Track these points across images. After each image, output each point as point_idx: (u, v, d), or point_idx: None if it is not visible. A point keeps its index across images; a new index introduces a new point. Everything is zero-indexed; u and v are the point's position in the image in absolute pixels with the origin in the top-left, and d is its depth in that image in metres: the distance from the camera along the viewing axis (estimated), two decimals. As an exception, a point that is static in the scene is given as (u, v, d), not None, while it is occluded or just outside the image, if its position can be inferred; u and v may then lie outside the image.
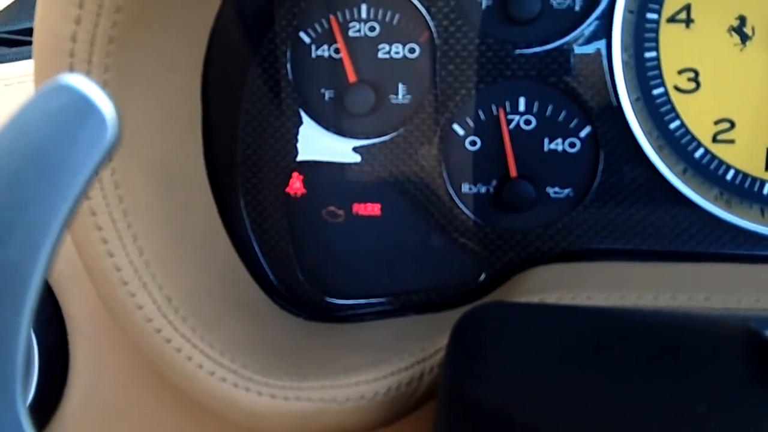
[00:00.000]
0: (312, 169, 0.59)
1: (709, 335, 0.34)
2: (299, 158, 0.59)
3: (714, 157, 0.55)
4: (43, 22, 0.39)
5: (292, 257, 0.59)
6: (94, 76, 0.39)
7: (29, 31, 0.71)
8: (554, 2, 0.54)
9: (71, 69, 0.39)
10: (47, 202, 0.21)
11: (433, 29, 0.56)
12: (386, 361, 0.49)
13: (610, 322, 0.38)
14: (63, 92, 0.21)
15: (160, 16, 0.42)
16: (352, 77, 0.57)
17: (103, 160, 0.21)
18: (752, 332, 0.32)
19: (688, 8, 0.53)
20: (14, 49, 0.67)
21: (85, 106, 0.21)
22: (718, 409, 0.30)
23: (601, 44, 0.54)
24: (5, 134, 0.21)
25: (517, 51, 0.55)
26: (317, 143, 0.59)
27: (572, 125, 0.55)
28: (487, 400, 0.38)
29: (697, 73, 0.54)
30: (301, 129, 0.58)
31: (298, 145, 0.59)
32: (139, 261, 0.46)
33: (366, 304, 0.60)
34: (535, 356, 0.39)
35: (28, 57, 0.64)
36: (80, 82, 0.21)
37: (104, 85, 0.40)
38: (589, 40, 0.54)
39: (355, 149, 0.58)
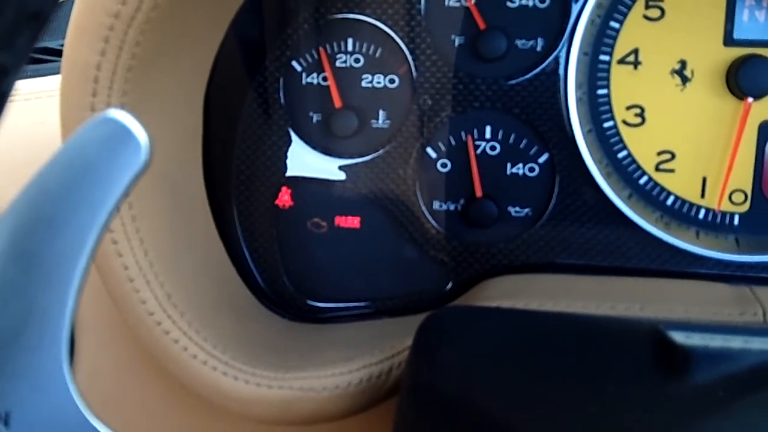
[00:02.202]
0: (299, 184, 0.65)
1: (625, 334, 0.40)
2: (288, 174, 0.65)
3: (656, 184, 0.61)
4: (72, 51, 0.45)
5: (279, 263, 0.66)
6: (114, 99, 0.45)
7: (44, 50, 0.78)
8: (519, 43, 0.61)
9: (94, 93, 0.45)
10: (93, 206, 0.27)
11: (411, 63, 0.62)
12: (359, 356, 0.55)
13: (547, 323, 0.44)
14: (109, 123, 0.27)
15: (172, 48, 0.49)
16: (337, 103, 0.63)
17: (138, 176, 0.27)
18: (659, 332, 0.38)
19: (636, 52, 0.60)
20: (32, 67, 0.73)
21: (126, 134, 0.27)
22: (628, 392, 0.37)
23: (558, 81, 0.61)
24: (64, 153, 0.27)
25: (485, 85, 0.61)
26: (304, 161, 0.65)
27: (532, 152, 0.62)
28: (443, 388, 0.45)
29: (643, 110, 0.61)
30: (291, 148, 0.65)
31: (288, 162, 0.65)
32: (144, 261, 0.52)
33: (344, 307, 0.66)
34: (485, 352, 0.45)
35: (44, 74, 0.71)
36: (122, 116, 0.27)
37: (122, 106, 0.46)
38: (548, 78, 0.61)
39: (339, 167, 0.64)
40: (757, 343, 0.36)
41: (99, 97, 0.45)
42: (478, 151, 0.63)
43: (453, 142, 0.63)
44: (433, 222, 0.64)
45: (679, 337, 0.36)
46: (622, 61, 0.60)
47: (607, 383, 0.37)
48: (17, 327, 0.28)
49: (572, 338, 0.42)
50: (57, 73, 0.61)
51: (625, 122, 0.61)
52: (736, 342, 0.36)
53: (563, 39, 0.60)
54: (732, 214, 0.61)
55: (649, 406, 0.35)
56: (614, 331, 0.41)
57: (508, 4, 0.60)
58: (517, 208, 0.63)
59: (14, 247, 0.28)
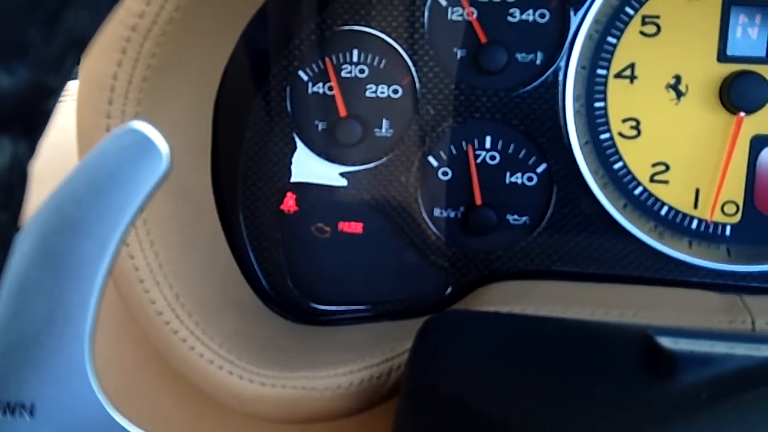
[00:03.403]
0: (304, 189, 0.67)
1: (615, 338, 0.42)
2: (292, 180, 0.67)
3: (651, 194, 0.63)
4: (89, 61, 0.47)
5: (283, 266, 0.67)
6: (129, 108, 0.47)
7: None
8: (519, 56, 0.63)
9: (110, 101, 0.47)
10: (118, 210, 0.29)
11: (414, 74, 0.64)
12: (361, 357, 0.57)
13: (542, 328, 0.46)
14: (132, 133, 0.29)
15: (185, 59, 0.51)
16: (342, 112, 0.65)
17: (159, 184, 0.29)
18: (647, 336, 0.40)
19: (632, 66, 0.62)
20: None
21: (148, 144, 0.29)
22: (617, 393, 0.38)
23: (557, 94, 0.62)
24: (89, 161, 0.29)
25: (486, 96, 0.63)
26: (309, 167, 0.67)
27: (530, 162, 0.64)
28: (442, 389, 0.46)
29: (638, 122, 0.62)
30: (295, 154, 0.67)
31: (292, 168, 0.67)
32: (154, 263, 0.54)
33: (346, 310, 0.68)
34: (483, 355, 0.47)
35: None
36: (145, 127, 0.29)
37: (136, 114, 0.48)
38: (547, 90, 0.63)
39: (342, 174, 0.66)
40: (740, 349, 0.38)
41: (114, 106, 0.47)
42: (479, 160, 0.64)
43: (454, 152, 0.65)
44: (433, 228, 0.66)
45: (666, 341, 0.38)
46: (618, 75, 0.62)
47: (597, 385, 0.39)
48: (42, 324, 0.30)
49: (566, 342, 0.44)
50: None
51: (621, 134, 0.63)
52: (720, 347, 0.38)
53: (562, 53, 0.62)
54: (724, 225, 0.63)
55: (636, 406, 0.37)
56: (605, 335, 0.43)
57: (509, 18, 0.62)
58: (516, 217, 0.65)
59: (41, 248, 0.29)
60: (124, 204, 0.29)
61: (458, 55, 0.63)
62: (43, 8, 0.17)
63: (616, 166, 0.63)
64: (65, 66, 0.18)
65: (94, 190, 0.29)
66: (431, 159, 0.65)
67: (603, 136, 0.63)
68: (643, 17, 0.61)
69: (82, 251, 0.29)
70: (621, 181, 0.63)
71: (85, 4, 0.18)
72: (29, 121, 0.18)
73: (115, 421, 0.31)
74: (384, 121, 0.65)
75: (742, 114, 0.60)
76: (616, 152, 0.63)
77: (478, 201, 0.64)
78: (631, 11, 0.61)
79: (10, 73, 0.17)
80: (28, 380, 0.30)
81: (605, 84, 0.62)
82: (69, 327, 0.30)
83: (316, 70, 0.65)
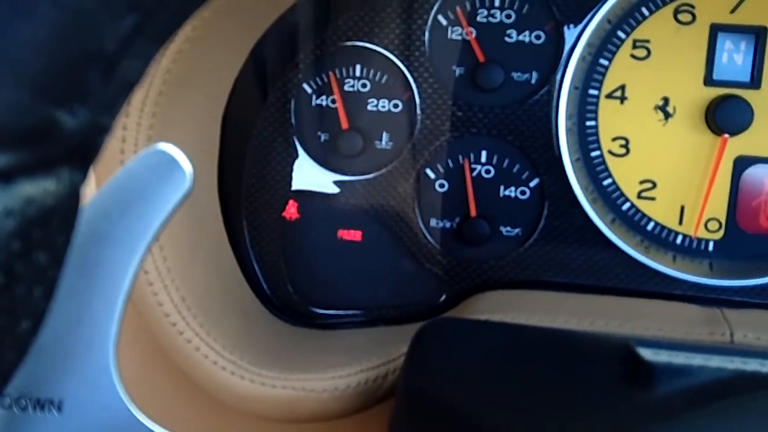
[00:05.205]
0: (306, 198, 0.69)
1: (599, 348, 0.45)
2: (293, 188, 0.69)
3: (638, 210, 0.66)
4: (107, 76, 0.50)
5: (284, 271, 0.70)
6: (145, 120, 0.50)
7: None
8: (514, 75, 0.65)
9: (126, 114, 0.50)
10: (145, 224, 0.32)
11: (414, 90, 0.67)
12: (358, 361, 0.59)
13: (530, 337, 0.49)
14: (159, 154, 0.32)
15: (198, 75, 0.53)
16: (344, 124, 0.68)
17: (183, 200, 0.31)
18: (628, 347, 0.43)
19: (623, 88, 0.65)
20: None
21: (173, 164, 0.32)
22: (597, 402, 0.41)
23: (550, 112, 0.65)
24: (119, 179, 0.32)
25: (482, 113, 0.66)
26: (310, 176, 0.69)
27: (524, 177, 0.66)
28: (436, 393, 0.49)
29: (627, 141, 0.65)
30: (298, 163, 0.69)
31: (294, 177, 0.69)
32: (162, 266, 0.56)
33: (344, 314, 0.70)
34: (474, 361, 0.50)
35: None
36: (171, 149, 0.32)
37: (150, 127, 0.51)
38: (541, 108, 0.65)
39: (342, 183, 0.69)
40: (715, 361, 0.41)
41: (130, 119, 0.50)
42: (474, 173, 0.67)
43: (451, 165, 0.67)
44: (429, 238, 0.68)
45: (645, 352, 0.41)
46: (609, 96, 0.65)
47: (578, 393, 0.42)
48: (71, 327, 0.32)
49: (551, 351, 0.47)
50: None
51: (610, 152, 0.65)
52: (696, 359, 0.41)
53: (556, 73, 0.64)
54: (707, 241, 0.66)
55: (615, 414, 0.39)
56: (589, 345, 0.46)
57: (506, 39, 0.65)
58: (509, 228, 0.67)
59: (72, 257, 0.32)
60: (150, 219, 0.32)
61: (457, 73, 0.66)
62: (102, 60, 0.19)
63: (606, 182, 0.66)
64: (117, 107, 0.21)
65: (123, 205, 0.32)
66: (429, 171, 0.68)
67: (593, 154, 0.65)
68: (634, 41, 0.64)
69: (110, 261, 0.32)
70: (610, 197, 0.66)
71: (136, 54, 0.20)
72: (84, 154, 0.21)
73: (137, 418, 0.33)
74: (384, 134, 0.68)
75: (726, 135, 0.63)
76: (606, 169, 0.66)
77: (473, 213, 0.67)
78: (622, 35, 0.64)
79: (73, 115, 0.19)
80: (57, 379, 0.32)
81: (597, 104, 0.65)
82: (96, 330, 0.32)
83: (319, 83, 0.68)
